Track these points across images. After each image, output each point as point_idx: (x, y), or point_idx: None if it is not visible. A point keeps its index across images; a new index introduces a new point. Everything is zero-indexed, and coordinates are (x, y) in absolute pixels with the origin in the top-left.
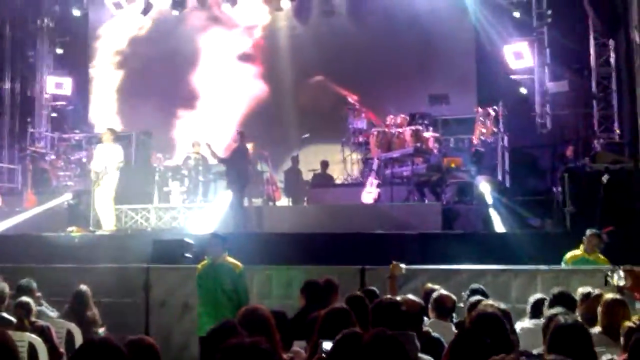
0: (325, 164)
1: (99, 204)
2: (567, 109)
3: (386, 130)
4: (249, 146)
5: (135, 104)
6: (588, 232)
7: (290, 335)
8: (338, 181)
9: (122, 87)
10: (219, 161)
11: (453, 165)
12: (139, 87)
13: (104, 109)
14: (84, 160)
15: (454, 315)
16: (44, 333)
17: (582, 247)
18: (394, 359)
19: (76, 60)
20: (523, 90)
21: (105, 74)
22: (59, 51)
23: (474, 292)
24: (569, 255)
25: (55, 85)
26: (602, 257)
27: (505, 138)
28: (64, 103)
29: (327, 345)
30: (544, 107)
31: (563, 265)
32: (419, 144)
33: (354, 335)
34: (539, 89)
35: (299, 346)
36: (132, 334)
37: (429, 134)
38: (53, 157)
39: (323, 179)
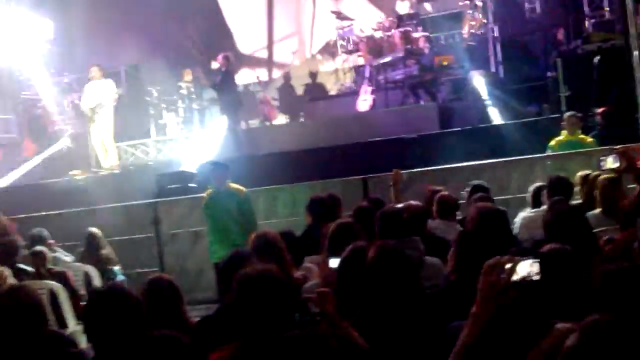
0: (313, 75)
1: (97, 141)
2: None
3: (375, 35)
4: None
5: (120, 39)
6: (565, 114)
7: (300, 252)
8: (332, 92)
9: (106, 24)
10: (210, 86)
11: (445, 63)
12: (123, 23)
13: (90, 49)
14: (77, 102)
15: (458, 213)
16: (62, 278)
17: (564, 130)
18: (398, 271)
19: (57, 3)
20: None
21: (87, 13)
22: None
23: (475, 188)
24: (553, 141)
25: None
26: (584, 136)
27: (495, 28)
28: (48, 46)
29: (334, 262)
30: None
31: (549, 152)
32: (409, 46)
33: (359, 250)
34: None
35: (310, 261)
36: (147, 268)
37: (418, 34)
38: (45, 102)
39: (314, 89)
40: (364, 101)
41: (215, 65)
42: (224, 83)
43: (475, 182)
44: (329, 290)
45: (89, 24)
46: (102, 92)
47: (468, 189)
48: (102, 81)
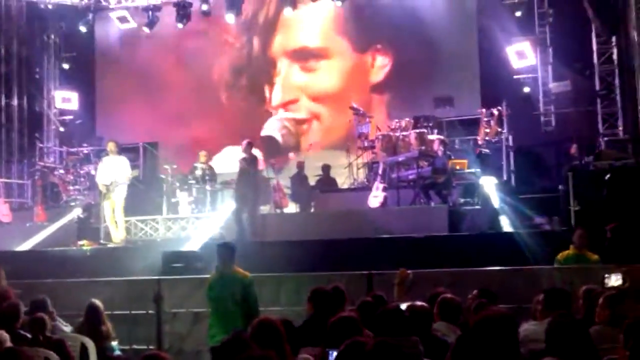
0: (326, 168)
1: (109, 217)
2: (571, 107)
3: (391, 134)
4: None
5: (141, 116)
6: (576, 230)
7: (297, 342)
8: (344, 186)
9: (128, 100)
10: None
11: (458, 167)
12: (144, 100)
13: (111, 122)
14: (93, 173)
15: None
16: (58, 347)
17: (572, 245)
18: None
19: (82, 75)
20: (526, 90)
21: (111, 88)
22: (66, 66)
23: (481, 293)
24: (560, 254)
25: (62, 99)
26: (590, 253)
27: (510, 138)
28: (71, 117)
29: (333, 354)
30: (548, 106)
31: (556, 265)
32: (423, 147)
33: (357, 345)
34: (542, 87)
35: (306, 353)
36: (145, 345)
37: (433, 137)
38: (62, 171)
39: (326, 183)
40: (375, 197)
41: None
42: (244, 173)
43: (482, 288)
44: None
45: (111, 99)
46: (118, 169)
47: (474, 294)
48: (117, 157)
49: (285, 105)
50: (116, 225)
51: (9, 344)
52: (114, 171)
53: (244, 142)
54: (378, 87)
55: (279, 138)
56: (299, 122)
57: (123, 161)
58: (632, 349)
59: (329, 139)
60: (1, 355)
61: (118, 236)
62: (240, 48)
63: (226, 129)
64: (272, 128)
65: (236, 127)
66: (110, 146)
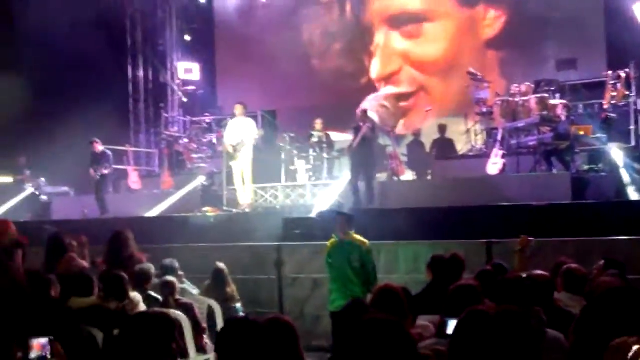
0: (443, 128)
1: (238, 178)
2: None
3: (510, 99)
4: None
5: (258, 84)
6: None
7: (415, 310)
8: (462, 152)
9: (246, 69)
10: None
11: (582, 132)
12: (262, 69)
13: (231, 92)
14: (215, 142)
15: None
16: (187, 310)
17: None
18: (519, 338)
19: (203, 46)
20: None
21: (231, 58)
22: (187, 38)
23: (608, 263)
24: None
25: (184, 71)
26: None
27: (639, 101)
28: (193, 88)
29: (452, 323)
30: None
31: None
32: (545, 112)
33: (479, 313)
34: None
35: (424, 320)
36: (267, 309)
37: (556, 102)
38: (186, 140)
39: (443, 144)
40: (494, 164)
41: None
42: (362, 141)
43: (607, 258)
44: (446, 350)
45: (231, 69)
46: (245, 130)
47: (601, 263)
48: (244, 119)
49: (386, 78)
50: (244, 188)
51: (141, 305)
52: (240, 132)
53: (360, 110)
54: (493, 44)
55: (375, 118)
56: (402, 97)
57: (250, 122)
58: None
59: (445, 106)
60: (138, 317)
61: (244, 199)
62: (341, 14)
63: (331, 98)
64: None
65: (339, 97)
66: (238, 108)
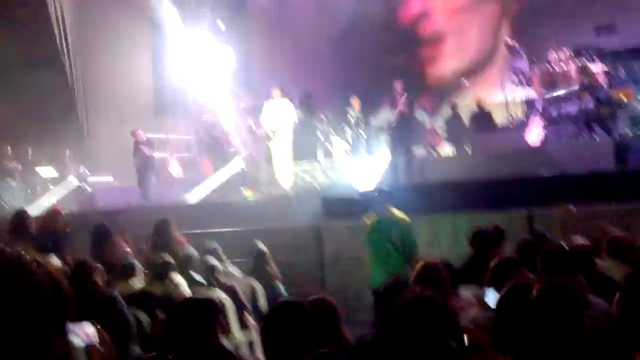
0: (482, 106)
1: (277, 161)
2: None
3: (549, 67)
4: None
5: (294, 67)
6: None
7: (458, 283)
8: (501, 124)
9: (282, 52)
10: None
11: (624, 97)
12: (297, 53)
13: (267, 76)
14: (252, 125)
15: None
16: (230, 291)
17: None
18: (564, 309)
19: (238, 32)
20: None
21: (266, 42)
22: (221, 25)
23: None
24: None
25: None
26: None
27: None
28: (230, 73)
29: (494, 296)
30: None
31: None
32: (585, 80)
33: (521, 286)
34: None
35: (464, 292)
36: (309, 289)
37: (596, 68)
38: (224, 125)
39: (481, 118)
40: (535, 135)
41: None
42: (401, 117)
43: None
44: (487, 322)
45: (266, 53)
46: (282, 113)
47: None
48: (282, 102)
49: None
50: (283, 171)
51: (184, 287)
52: (279, 115)
53: (398, 85)
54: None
55: None
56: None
57: (287, 105)
58: None
59: (481, 77)
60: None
61: (285, 181)
62: None
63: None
64: None
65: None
66: (276, 92)
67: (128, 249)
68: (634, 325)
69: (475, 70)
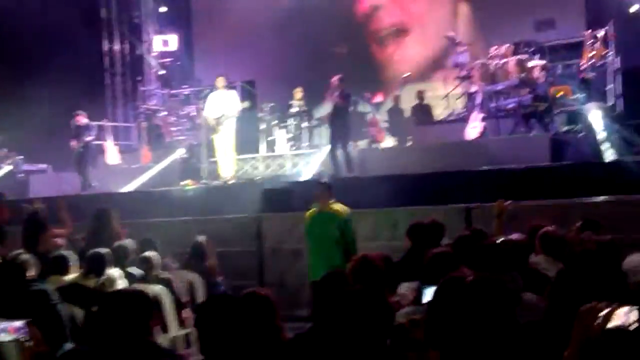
0: (421, 94)
1: (220, 151)
2: None
3: (489, 62)
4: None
5: (237, 55)
6: None
7: (396, 277)
8: (442, 117)
9: (225, 39)
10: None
11: (561, 93)
12: (241, 39)
13: (209, 63)
14: (194, 114)
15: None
16: (167, 284)
17: None
18: (496, 304)
19: (180, 17)
20: (634, 8)
21: (208, 28)
22: (163, 9)
23: (585, 224)
24: None
25: (162, 42)
26: None
27: (617, 60)
28: (170, 60)
29: (428, 291)
30: None
31: None
32: (524, 75)
33: (454, 281)
34: None
35: (405, 288)
36: (248, 281)
37: (534, 63)
38: (165, 113)
39: (422, 110)
40: (474, 128)
41: None
42: (336, 108)
43: (587, 219)
44: (421, 318)
45: (209, 39)
46: (227, 103)
47: (578, 225)
48: (226, 92)
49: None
50: (226, 161)
51: (120, 281)
52: (222, 105)
53: (336, 78)
54: (470, 4)
55: None
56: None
57: (232, 95)
58: None
59: (423, 71)
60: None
61: (227, 172)
62: None
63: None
64: None
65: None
66: (220, 81)
67: (61, 242)
68: (562, 321)
69: (421, 64)
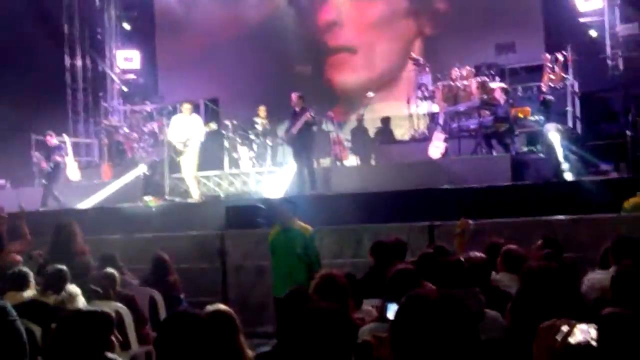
0: (387, 119)
1: (188, 174)
2: (639, 50)
3: (452, 83)
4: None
5: (200, 72)
6: None
7: (360, 294)
8: (405, 137)
9: (188, 57)
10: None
11: (521, 115)
12: (204, 56)
13: (172, 80)
14: (156, 130)
15: None
16: (128, 301)
17: (639, 192)
18: (458, 321)
19: (143, 34)
20: (593, 33)
21: (172, 46)
22: (127, 26)
23: (546, 243)
24: (627, 202)
25: (124, 59)
26: None
27: (576, 84)
28: (133, 76)
29: (392, 307)
30: (615, 50)
31: (622, 213)
32: (485, 96)
33: (418, 297)
34: (610, 30)
35: (369, 304)
36: (211, 298)
37: (495, 85)
38: (126, 129)
39: (387, 133)
40: (436, 148)
41: None
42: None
43: (547, 237)
44: (386, 335)
45: (173, 56)
46: (192, 128)
47: (539, 243)
48: (191, 117)
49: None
50: (196, 181)
51: (80, 299)
52: (188, 129)
53: (295, 95)
54: (434, 28)
55: None
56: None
57: (197, 120)
58: None
59: (388, 91)
60: (75, 316)
61: (189, 189)
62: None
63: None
64: None
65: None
66: (186, 109)
67: (19, 258)
68: (523, 337)
69: (383, 83)
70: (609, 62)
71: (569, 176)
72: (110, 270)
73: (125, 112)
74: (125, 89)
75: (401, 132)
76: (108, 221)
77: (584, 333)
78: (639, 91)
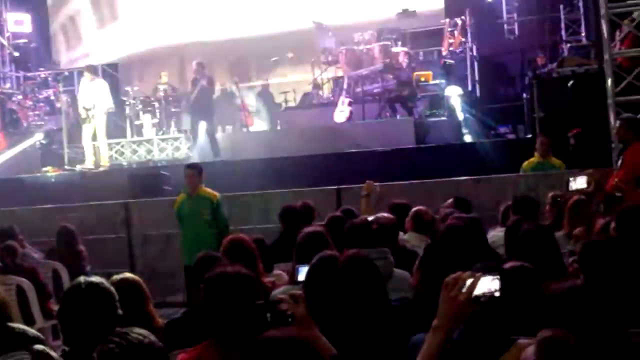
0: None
1: (88, 140)
2: (535, 14)
3: (355, 47)
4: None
5: (97, 36)
6: (539, 137)
7: (271, 260)
8: (310, 102)
9: (83, 19)
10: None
11: (423, 79)
12: (100, 18)
13: (67, 44)
14: (52, 97)
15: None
16: (30, 274)
17: (536, 152)
18: (368, 280)
19: None
20: None
21: (65, 7)
22: None
23: (456, 203)
24: (525, 162)
25: (14, 22)
26: (555, 159)
27: (474, 47)
28: (25, 41)
29: (303, 269)
30: (511, 14)
31: (521, 172)
32: (388, 60)
33: (327, 259)
34: None
35: (279, 269)
36: (118, 269)
37: (397, 49)
38: (20, 97)
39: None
40: (341, 112)
41: None
42: (198, 92)
43: (458, 197)
44: (301, 292)
45: (66, 19)
46: (99, 94)
47: (450, 201)
48: (97, 82)
49: None
50: (98, 150)
51: None
52: (95, 95)
53: (195, 63)
54: None
55: None
56: None
57: (103, 86)
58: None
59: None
60: None
61: (100, 161)
62: None
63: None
64: None
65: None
66: (86, 75)
67: None
68: (430, 293)
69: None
70: (505, 26)
71: (469, 138)
72: (9, 242)
73: (18, 79)
74: (16, 54)
75: (306, 97)
76: (5, 193)
77: (487, 285)
78: (534, 54)
